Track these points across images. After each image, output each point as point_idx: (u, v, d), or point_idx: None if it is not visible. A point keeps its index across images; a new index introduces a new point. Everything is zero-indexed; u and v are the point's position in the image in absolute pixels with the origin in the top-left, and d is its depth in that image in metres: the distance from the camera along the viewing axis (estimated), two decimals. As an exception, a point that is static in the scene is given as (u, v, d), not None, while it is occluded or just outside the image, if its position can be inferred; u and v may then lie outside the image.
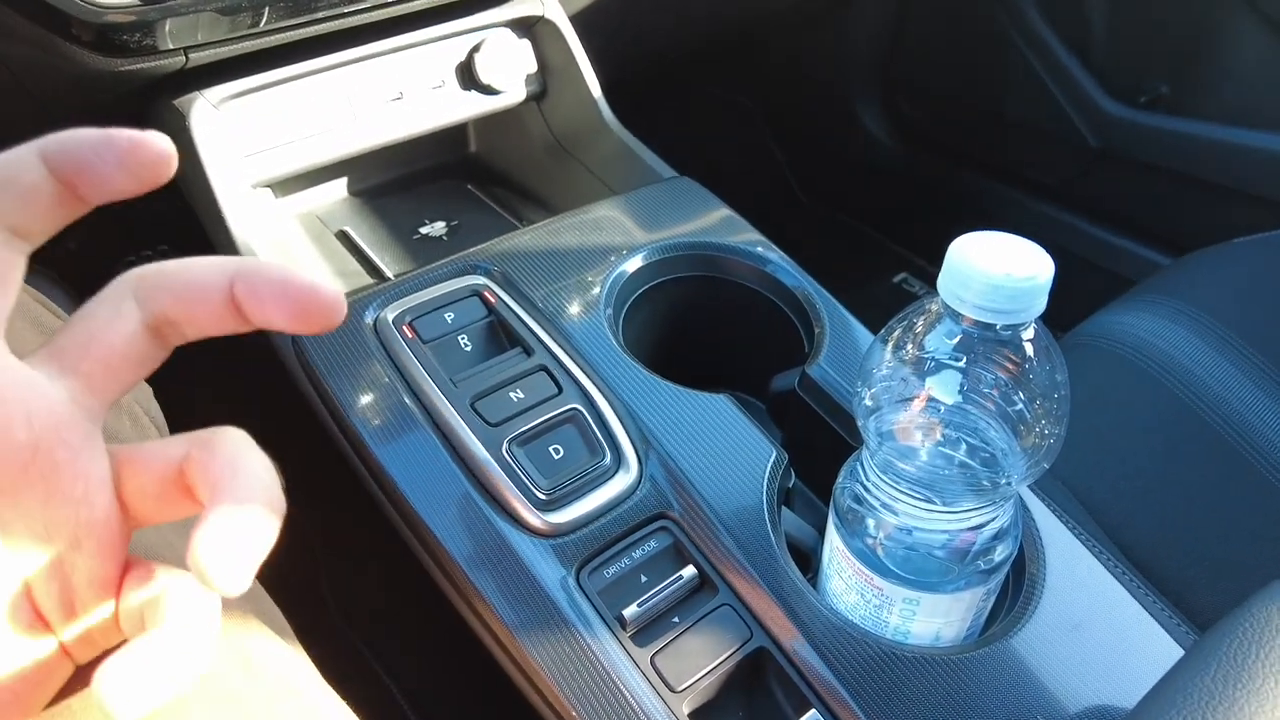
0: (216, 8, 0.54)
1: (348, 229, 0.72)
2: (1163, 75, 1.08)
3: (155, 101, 0.62)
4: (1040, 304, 0.33)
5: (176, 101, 0.59)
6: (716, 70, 1.42)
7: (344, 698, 0.37)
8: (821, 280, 0.58)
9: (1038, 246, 0.34)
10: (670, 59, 1.25)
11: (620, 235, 0.59)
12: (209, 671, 0.29)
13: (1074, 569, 0.45)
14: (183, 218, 0.66)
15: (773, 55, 1.42)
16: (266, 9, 0.56)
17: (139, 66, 0.55)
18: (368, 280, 0.67)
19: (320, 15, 0.60)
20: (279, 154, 0.64)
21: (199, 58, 0.57)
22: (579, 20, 0.75)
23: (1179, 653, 0.43)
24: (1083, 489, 0.61)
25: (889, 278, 1.38)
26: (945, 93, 1.30)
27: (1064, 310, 0.53)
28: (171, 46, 0.55)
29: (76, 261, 0.97)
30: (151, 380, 0.44)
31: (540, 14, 0.72)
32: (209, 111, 0.60)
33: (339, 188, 0.78)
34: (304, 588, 0.81)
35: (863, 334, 0.55)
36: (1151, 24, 1.07)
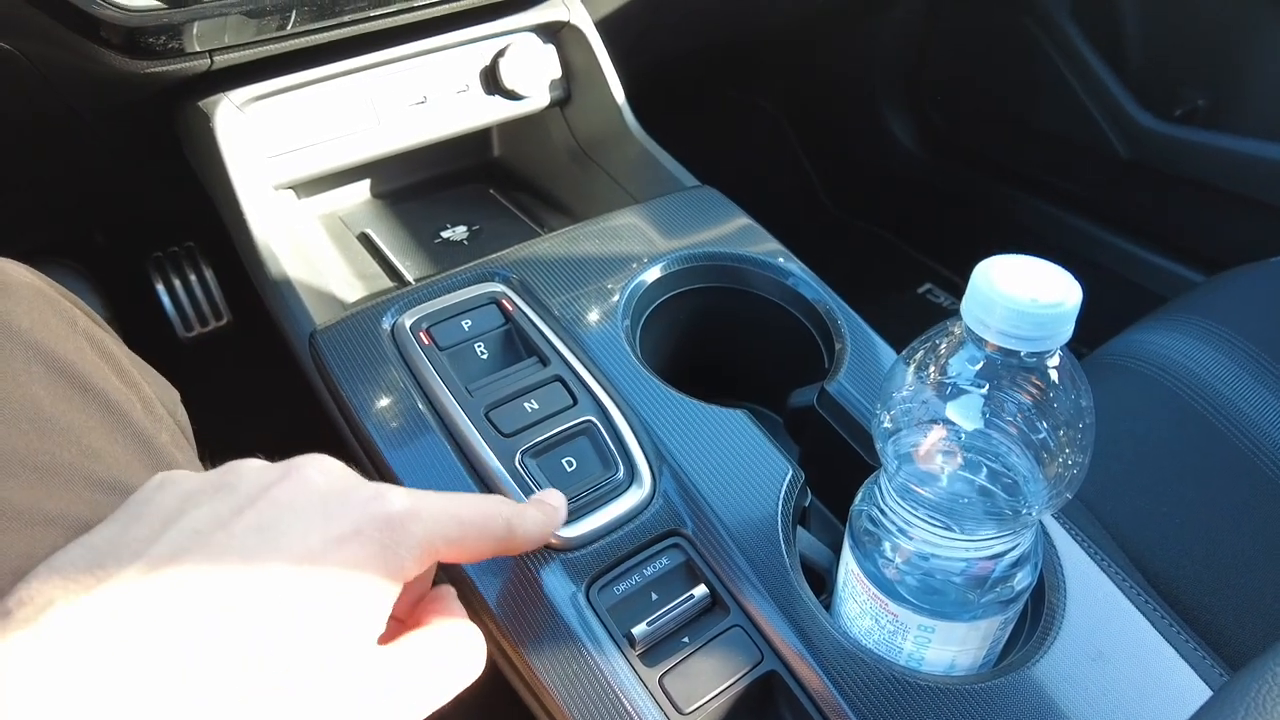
0: (243, 11, 0.54)
1: (369, 231, 0.72)
2: (1199, 87, 1.06)
3: (181, 103, 0.62)
4: (1066, 332, 0.32)
5: (201, 103, 0.60)
6: (743, 77, 1.41)
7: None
8: (844, 289, 0.58)
9: (1065, 271, 0.33)
10: (696, 65, 1.24)
11: (640, 244, 0.59)
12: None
13: (1096, 598, 0.44)
14: (207, 216, 0.66)
15: (799, 62, 1.41)
16: (292, 12, 0.57)
17: (165, 69, 0.56)
18: (388, 283, 0.67)
19: (345, 19, 0.60)
20: (302, 156, 0.64)
21: (224, 60, 0.57)
22: (604, 26, 0.74)
23: (1204, 689, 0.42)
24: (1106, 513, 0.60)
25: (913, 288, 1.36)
26: (974, 101, 1.29)
27: (1091, 326, 0.51)
28: (198, 49, 0.55)
29: (103, 256, 0.98)
30: (179, 386, 0.44)
31: (566, 19, 0.71)
32: (233, 113, 0.60)
33: (361, 190, 0.78)
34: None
35: (885, 351, 0.54)
36: (1188, 35, 1.05)
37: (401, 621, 0.31)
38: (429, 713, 0.28)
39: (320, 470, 0.28)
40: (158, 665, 0.23)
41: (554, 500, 0.38)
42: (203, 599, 0.24)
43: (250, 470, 0.28)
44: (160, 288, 1.00)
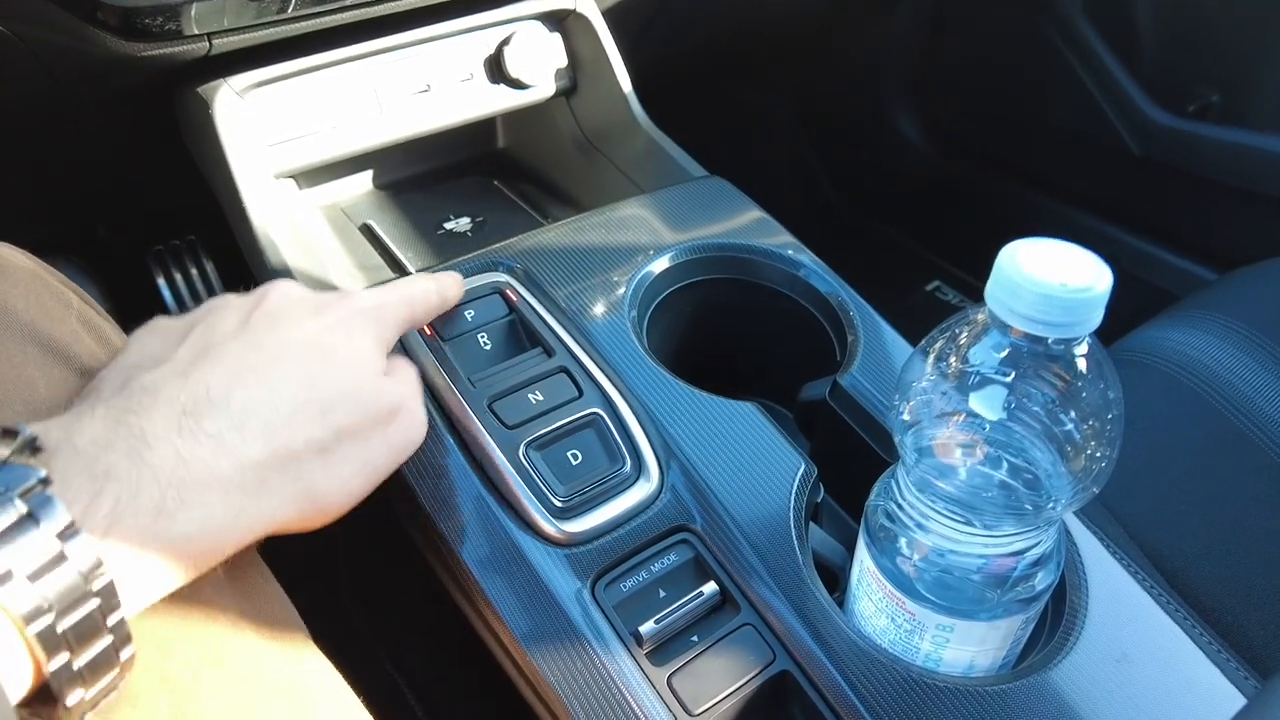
0: (242, -7, 0.53)
1: (371, 222, 0.71)
2: (1213, 83, 1.04)
3: (180, 89, 0.61)
4: (1096, 317, 0.31)
5: (200, 89, 0.59)
6: (751, 70, 1.40)
7: (355, 692, 0.36)
8: (853, 286, 0.56)
9: (1094, 255, 0.32)
10: (704, 57, 1.23)
11: (647, 235, 0.58)
12: (221, 658, 0.30)
13: (1119, 598, 0.43)
14: (207, 209, 0.65)
15: (808, 58, 1.40)
16: (293, -4, 0.55)
17: (163, 51, 0.55)
18: (390, 274, 0.66)
19: (348, 4, 0.58)
20: (303, 144, 0.63)
21: (223, 44, 0.56)
22: (611, 15, 0.73)
23: (1232, 692, 0.41)
24: (1123, 511, 0.58)
25: (921, 285, 1.35)
26: (983, 98, 1.27)
27: (1105, 324, 0.50)
28: (196, 32, 0.54)
29: (105, 248, 0.97)
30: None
31: (572, 7, 0.70)
32: (233, 99, 0.59)
33: (364, 180, 0.77)
34: (320, 584, 0.80)
35: (898, 343, 0.53)
36: (1202, 31, 1.04)
37: None
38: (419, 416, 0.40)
39: (289, 286, 0.38)
40: (263, 411, 0.32)
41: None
42: (261, 366, 0.33)
43: (230, 297, 0.38)
44: (161, 281, 0.99)
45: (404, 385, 0.39)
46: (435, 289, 0.46)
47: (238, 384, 0.32)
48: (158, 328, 0.37)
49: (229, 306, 0.37)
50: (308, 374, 0.34)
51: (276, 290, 0.38)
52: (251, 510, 0.31)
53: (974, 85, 1.28)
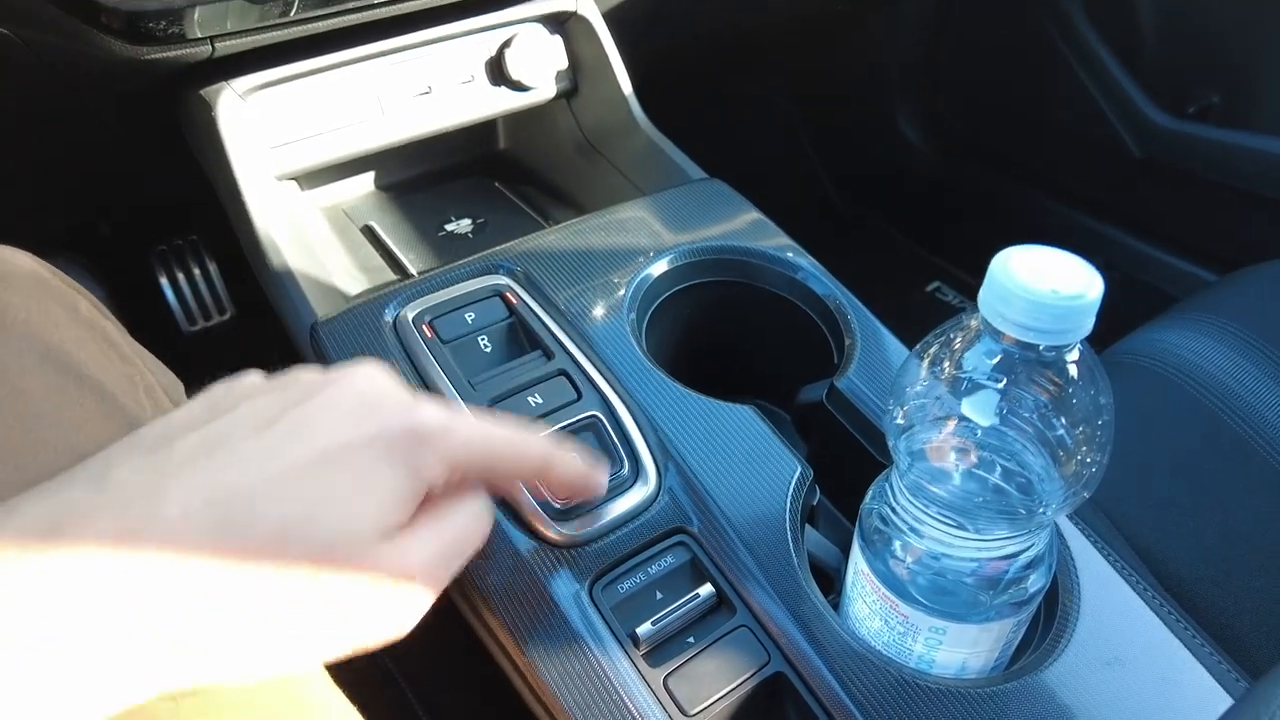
0: (244, -3, 0.53)
1: (373, 224, 0.71)
2: (1213, 85, 1.04)
3: (183, 91, 0.61)
4: (1087, 324, 0.31)
5: (203, 91, 0.59)
6: (752, 71, 1.40)
7: (357, 701, 0.36)
8: (853, 286, 0.57)
9: (1086, 262, 0.32)
10: (705, 58, 1.23)
11: (647, 237, 0.58)
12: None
13: (1111, 601, 0.43)
14: (210, 210, 0.66)
15: (809, 57, 1.40)
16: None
17: (166, 55, 0.55)
18: (391, 276, 0.66)
19: (349, 7, 0.59)
20: (305, 146, 0.64)
21: (226, 47, 0.57)
22: (612, 17, 0.73)
23: (1222, 695, 0.41)
24: (1120, 516, 0.59)
25: (922, 286, 1.35)
26: (985, 99, 1.28)
27: (1102, 326, 0.51)
28: (199, 35, 0.54)
29: (108, 247, 0.98)
30: (180, 374, 0.43)
31: (573, 9, 0.70)
32: (235, 102, 0.59)
33: (365, 182, 0.77)
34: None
35: (895, 347, 0.53)
36: (1203, 32, 1.04)
37: None
38: (449, 580, 0.30)
39: (365, 377, 0.30)
40: (195, 541, 0.25)
41: (595, 464, 0.38)
42: (234, 487, 0.26)
43: (305, 375, 0.31)
44: (163, 281, 1.00)
45: (414, 555, 0.29)
46: (541, 456, 0.34)
47: (197, 506, 0.26)
48: (235, 385, 0.31)
49: (286, 388, 0.30)
50: (288, 511, 0.27)
51: (342, 382, 0.30)
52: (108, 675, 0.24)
53: (975, 86, 1.28)
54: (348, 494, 0.28)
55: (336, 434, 0.28)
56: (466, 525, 0.31)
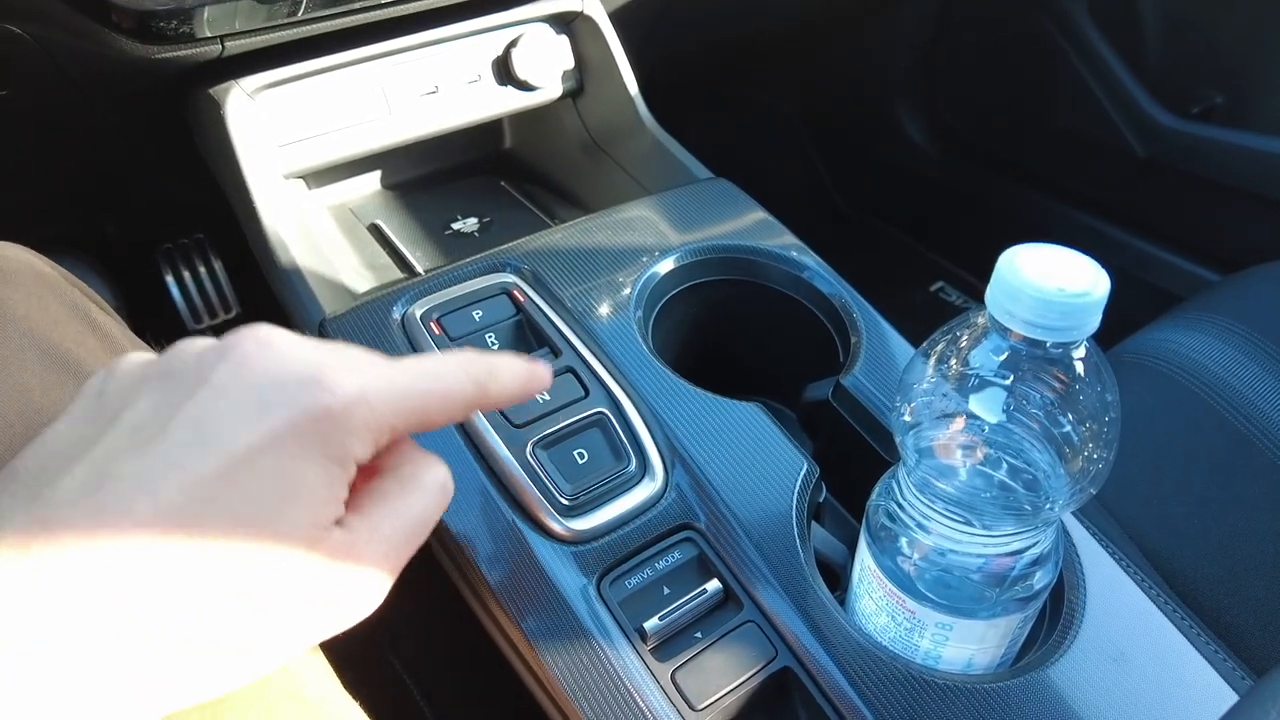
0: (254, -4, 0.54)
1: (380, 222, 0.72)
2: (1217, 85, 1.05)
3: (192, 90, 0.62)
4: (1094, 322, 0.31)
5: (212, 90, 0.59)
6: (756, 71, 1.40)
7: (360, 698, 0.36)
8: (856, 287, 0.57)
9: (1092, 260, 0.32)
10: (710, 58, 1.24)
11: (653, 236, 0.58)
12: None
13: (1116, 598, 0.43)
14: (217, 208, 0.66)
15: (813, 59, 1.40)
16: (304, -1, 0.56)
17: (176, 54, 0.55)
18: (398, 274, 0.67)
19: (357, 6, 0.59)
20: (313, 145, 0.64)
21: (235, 46, 0.57)
22: (618, 17, 0.74)
23: (1227, 691, 0.41)
24: (1126, 514, 0.59)
25: (926, 286, 1.35)
26: (988, 99, 1.28)
27: (1107, 326, 0.51)
28: (208, 34, 0.55)
29: (115, 245, 0.98)
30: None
31: (579, 10, 0.71)
32: (244, 101, 0.60)
33: (372, 181, 0.77)
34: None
35: (901, 345, 0.53)
36: (1207, 33, 1.04)
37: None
38: (409, 555, 0.28)
39: (259, 344, 0.26)
40: (99, 600, 0.22)
41: (530, 359, 0.33)
42: (135, 532, 0.23)
43: (191, 353, 0.26)
44: (170, 279, 1.00)
45: (365, 545, 0.26)
46: (473, 382, 0.30)
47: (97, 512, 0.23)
48: (113, 376, 0.27)
49: (173, 375, 0.26)
50: (204, 544, 0.23)
51: (232, 358, 0.26)
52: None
53: (978, 86, 1.28)
54: (269, 507, 0.24)
55: (239, 435, 0.24)
56: (424, 505, 0.28)
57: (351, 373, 0.26)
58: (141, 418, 0.25)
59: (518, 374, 0.31)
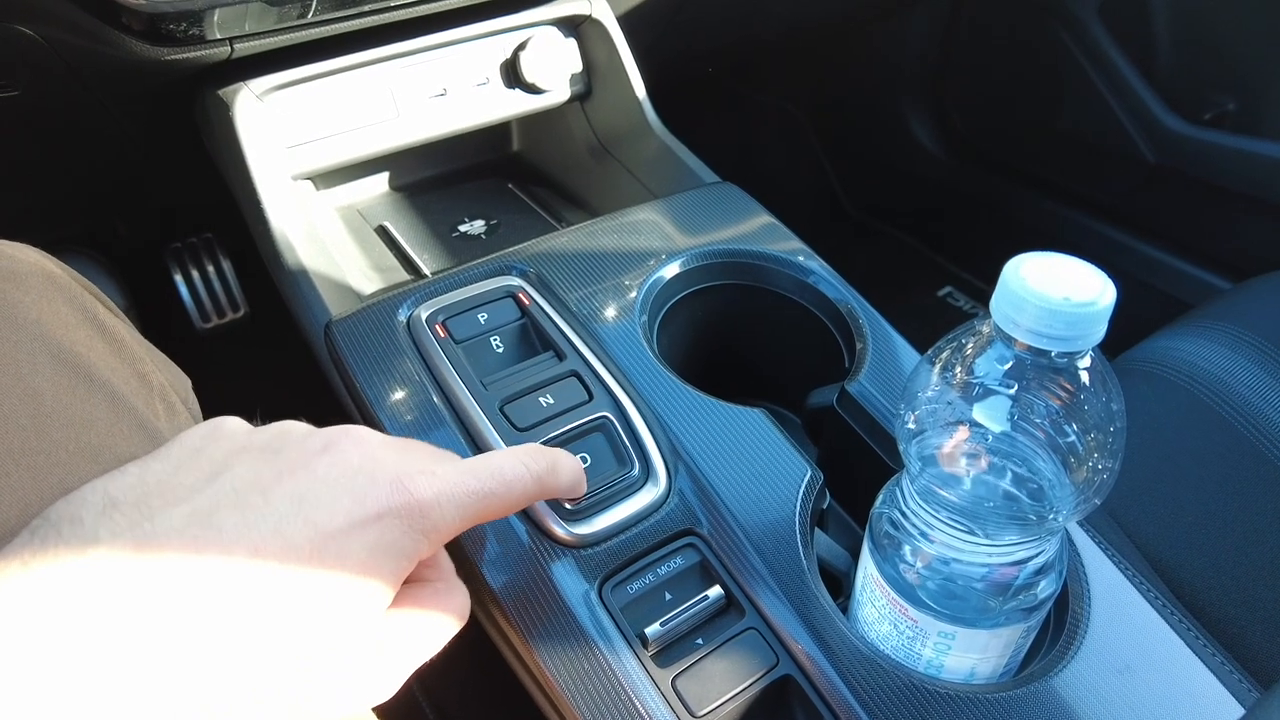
0: (264, -1, 0.54)
1: (387, 224, 0.72)
2: (1228, 91, 1.04)
3: (201, 91, 0.62)
4: (1100, 331, 0.31)
5: (221, 91, 0.60)
6: (765, 75, 1.40)
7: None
8: (864, 291, 0.57)
9: (1098, 270, 0.32)
10: (718, 62, 1.24)
11: (659, 240, 0.58)
12: None
13: (1121, 608, 0.43)
14: (225, 208, 0.66)
15: (822, 63, 1.40)
16: (313, 1, 0.56)
17: (186, 56, 0.56)
18: (405, 276, 0.67)
19: (366, 9, 0.59)
20: (321, 147, 0.64)
21: (244, 48, 0.57)
22: (626, 21, 0.74)
23: (1233, 704, 0.41)
24: (1132, 523, 0.58)
25: (933, 291, 1.35)
26: (997, 103, 1.27)
27: (1115, 333, 0.51)
28: (218, 36, 0.55)
29: (125, 246, 0.99)
30: (190, 373, 0.44)
31: (588, 13, 0.71)
32: (252, 102, 0.60)
33: (380, 182, 0.78)
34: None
35: (907, 352, 0.53)
36: (1218, 39, 1.03)
37: None
38: (420, 663, 0.31)
39: (355, 443, 0.30)
40: (188, 614, 0.24)
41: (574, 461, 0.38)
42: (228, 571, 0.25)
43: (296, 436, 0.30)
44: (178, 278, 1.01)
45: (397, 637, 0.29)
46: (534, 483, 0.34)
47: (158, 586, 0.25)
48: (215, 437, 0.30)
49: (278, 452, 0.29)
50: (285, 599, 0.26)
51: (342, 444, 0.30)
52: None
53: (988, 90, 1.28)
54: (349, 583, 0.27)
55: (335, 517, 0.27)
56: (448, 615, 0.32)
57: (431, 477, 0.30)
58: (243, 482, 0.28)
59: (575, 475, 0.37)
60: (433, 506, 0.29)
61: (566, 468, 0.36)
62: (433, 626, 0.31)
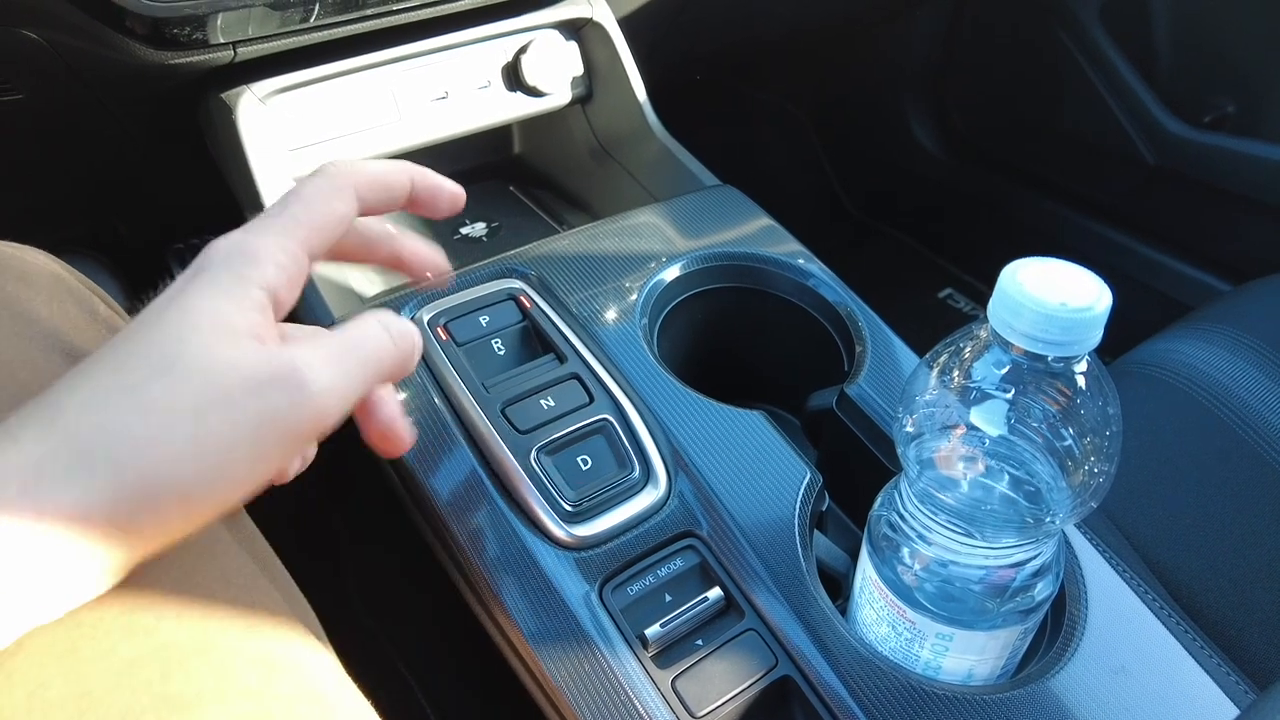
0: (266, 3, 0.54)
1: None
2: (1229, 93, 1.04)
3: (204, 94, 0.62)
4: (1096, 337, 0.32)
5: (224, 95, 0.60)
6: (766, 76, 1.41)
7: (369, 700, 0.36)
8: (864, 293, 0.57)
9: (1095, 275, 0.32)
10: (719, 64, 1.24)
11: (659, 243, 0.59)
12: (226, 671, 0.29)
13: (1118, 610, 0.43)
14: (227, 208, 0.66)
15: (823, 64, 1.40)
16: (316, 6, 0.57)
17: (189, 60, 0.56)
18: (406, 278, 0.67)
19: (369, 12, 0.60)
20: (323, 149, 0.64)
21: (247, 52, 0.57)
22: (627, 23, 0.74)
23: (1229, 706, 0.41)
24: (1129, 525, 0.59)
25: (934, 292, 1.35)
26: (998, 105, 1.28)
27: (1115, 335, 0.51)
28: (221, 41, 0.55)
29: (126, 245, 0.99)
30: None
31: (589, 16, 0.71)
32: (255, 105, 0.60)
33: None
34: (329, 595, 0.81)
35: (906, 355, 0.54)
36: (1219, 41, 1.03)
37: None
38: (361, 380, 0.30)
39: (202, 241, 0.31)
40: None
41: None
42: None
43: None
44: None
45: (302, 353, 0.28)
46: (323, 180, 0.33)
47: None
48: None
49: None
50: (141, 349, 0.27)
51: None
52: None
53: (989, 92, 1.28)
54: (201, 309, 0.27)
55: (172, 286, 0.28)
56: (362, 331, 0.31)
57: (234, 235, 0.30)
58: None
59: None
60: (243, 242, 0.29)
61: (371, 165, 0.36)
62: (346, 337, 0.30)
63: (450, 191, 0.38)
